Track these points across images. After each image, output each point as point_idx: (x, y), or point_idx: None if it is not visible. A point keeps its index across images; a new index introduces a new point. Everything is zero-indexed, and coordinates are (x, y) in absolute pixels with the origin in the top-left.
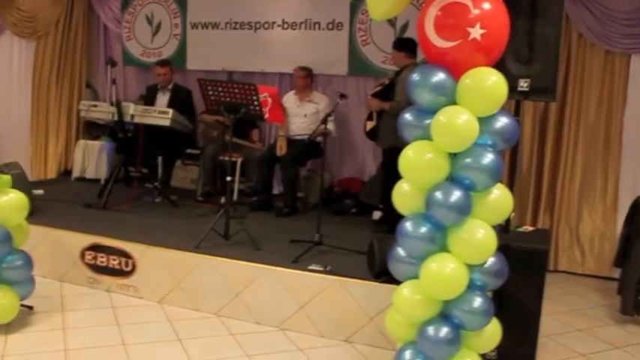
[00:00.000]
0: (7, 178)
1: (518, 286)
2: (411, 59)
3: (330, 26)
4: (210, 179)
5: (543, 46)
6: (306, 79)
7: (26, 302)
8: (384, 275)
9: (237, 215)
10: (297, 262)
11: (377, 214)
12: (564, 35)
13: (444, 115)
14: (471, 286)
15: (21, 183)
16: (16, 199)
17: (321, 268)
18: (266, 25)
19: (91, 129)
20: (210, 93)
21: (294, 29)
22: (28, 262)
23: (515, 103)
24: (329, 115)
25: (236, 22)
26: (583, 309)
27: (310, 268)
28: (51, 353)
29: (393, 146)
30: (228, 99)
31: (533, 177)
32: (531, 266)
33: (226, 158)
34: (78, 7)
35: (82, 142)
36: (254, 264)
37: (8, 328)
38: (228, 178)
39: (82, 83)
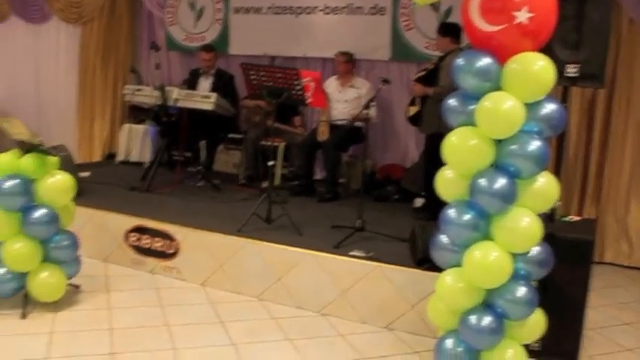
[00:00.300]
0: (54, 159)
1: (563, 276)
2: (456, 44)
3: (373, 11)
4: (253, 164)
5: (592, 31)
6: (347, 65)
7: (73, 281)
8: (426, 262)
9: (279, 200)
10: (338, 247)
11: (419, 202)
12: (614, 20)
13: (490, 101)
14: (515, 275)
15: (68, 165)
16: (63, 180)
17: (363, 254)
18: (308, 10)
19: (136, 113)
20: (253, 77)
21: (337, 14)
22: (75, 243)
23: (562, 89)
24: (371, 100)
25: (278, 7)
26: (629, 302)
27: (352, 253)
28: (97, 331)
29: (437, 132)
30: (270, 83)
31: (580, 166)
32: (577, 257)
33: (268, 143)
34: None
35: (126, 126)
36: (296, 249)
37: (56, 306)
38: (271, 163)
39: (127, 68)
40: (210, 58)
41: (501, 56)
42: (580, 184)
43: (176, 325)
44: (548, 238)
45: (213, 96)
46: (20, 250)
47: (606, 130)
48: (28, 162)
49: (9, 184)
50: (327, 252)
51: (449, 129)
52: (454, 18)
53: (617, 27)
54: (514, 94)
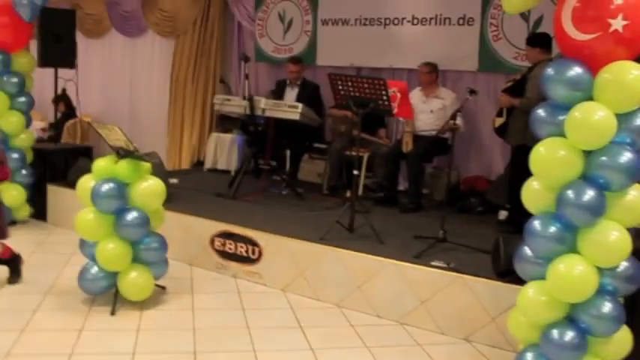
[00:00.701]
0: (147, 165)
1: None
2: (546, 55)
3: (461, 21)
4: (336, 173)
5: None
6: (430, 75)
7: (159, 282)
8: (508, 275)
9: (362, 209)
10: (419, 257)
11: (503, 214)
12: None
13: (580, 111)
14: (601, 291)
15: (159, 171)
16: (155, 185)
17: (444, 265)
18: (396, 21)
19: (224, 122)
20: (340, 87)
21: (424, 25)
22: (163, 245)
23: None
24: (458, 110)
25: (366, 18)
26: None
27: (433, 264)
28: (181, 331)
29: (523, 144)
30: (357, 94)
31: None
32: None
33: (353, 153)
34: (214, 7)
35: (214, 134)
36: (377, 257)
37: (143, 305)
38: (355, 172)
39: (217, 79)
40: (298, 69)
41: (593, 65)
42: None
43: (256, 328)
44: (638, 254)
45: (300, 106)
46: (113, 251)
47: None
48: (123, 167)
49: (105, 187)
50: (408, 261)
51: (535, 141)
52: (544, 28)
53: None
54: (606, 104)
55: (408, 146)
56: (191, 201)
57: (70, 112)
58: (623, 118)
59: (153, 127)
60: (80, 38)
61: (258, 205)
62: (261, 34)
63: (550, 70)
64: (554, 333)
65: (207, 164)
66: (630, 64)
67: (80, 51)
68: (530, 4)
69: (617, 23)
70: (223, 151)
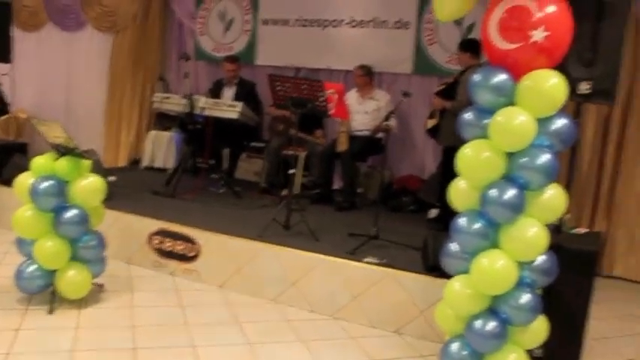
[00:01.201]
0: (87, 163)
1: (567, 286)
2: (476, 60)
3: (398, 25)
4: (274, 172)
5: (606, 49)
6: (364, 78)
7: (98, 280)
8: (436, 270)
9: (298, 207)
10: (353, 253)
11: (433, 212)
12: (633, 38)
13: (502, 116)
14: (520, 283)
15: (98, 169)
16: (95, 183)
17: (377, 261)
18: (334, 23)
19: (162, 120)
20: (279, 88)
21: (362, 27)
22: (102, 243)
23: (575, 105)
24: (392, 112)
25: (305, 20)
26: (636, 316)
27: (366, 260)
28: (120, 328)
29: (453, 145)
30: (295, 94)
31: (593, 180)
32: (581, 268)
33: (290, 152)
34: (155, 3)
35: (152, 132)
36: (312, 254)
37: (81, 303)
38: (291, 171)
39: (156, 76)
40: (234, 68)
41: (516, 73)
42: (592, 197)
43: (195, 325)
44: (555, 249)
45: (239, 105)
46: (51, 249)
47: (620, 146)
48: (63, 164)
49: (44, 185)
50: (342, 257)
51: (465, 142)
52: (477, 33)
53: (635, 44)
54: (527, 110)
55: (342, 146)
56: (129, 199)
57: (2, 107)
58: (542, 122)
59: (90, 124)
60: (15, 31)
61: (196, 203)
62: (201, 32)
63: (476, 77)
64: (478, 323)
65: (145, 162)
66: (549, 73)
67: (15, 44)
68: (461, 13)
69: (539, 34)
70: (161, 149)
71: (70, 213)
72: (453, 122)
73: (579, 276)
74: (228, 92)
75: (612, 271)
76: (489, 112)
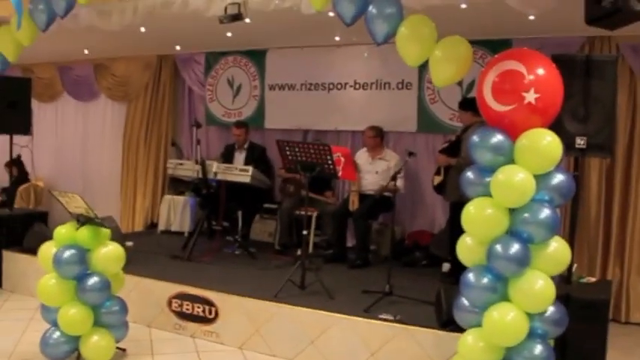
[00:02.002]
0: (107, 231)
1: (581, 336)
2: (477, 117)
3: (400, 86)
4: (287, 232)
5: (598, 105)
6: (375, 139)
7: (120, 345)
8: (450, 324)
9: (312, 267)
10: (368, 311)
11: (446, 266)
12: (629, 90)
13: (503, 174)
14: (532, 334)
15: (116, 235)
16: (115, 250)
17: (391, 317)
18: (339, 86)
19: (176, 185)
20: (288, 153)
21: (366, 89)
22: (124, 308)
23: (574, 159)
24: (398, 172)
25: (311, 84)
26: None
27: (381, 316)
28: None
29: (460, 200)
30: (304, 158)
31: (602, 228)
32: (593, 316)
33: (302, 212)
34: (165, 72)
35: (167, 197)
36: (328, 312)
37: None
38: (305, 232)
39: (168, 142)
40: (241, 133)
41: (513, 132)
42: (602, 246)
43: None
44: (565, 299)
45: (250, 169)
46: (75, 316)
47: (626, 193)
48: (84, 234)
49: (67, 254)
50: (358, 315)
51: (470, 198)
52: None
53: (632, 97)
54: (525, 167)
55: (354, 205)
56: (147, 263)
57: (22, 176)
58: (541, 178)
59: (106, 190)
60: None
61: (212, 265)
62: (211, 99)
63: (475, 138)
64: None
65: (161, 226)
66: (544, 132)
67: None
68: (457, 78)
69: (530, 96)
70: (177, 213)
71: (92, 280)
72: (457, 178)
73: (591, 325)
74: (240, 156)
75: (630, 318)
76: (490, 170)
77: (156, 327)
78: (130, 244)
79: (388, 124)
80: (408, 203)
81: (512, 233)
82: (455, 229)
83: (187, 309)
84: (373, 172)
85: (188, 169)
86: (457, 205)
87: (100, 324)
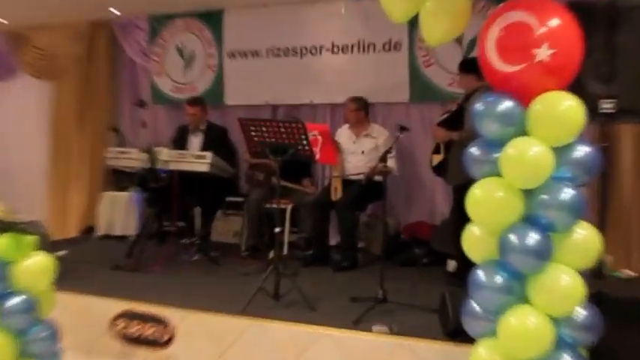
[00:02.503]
0: (32, 239)
1: (618, 341)
2: (482, 81)
3: (387, 47)
4: (256, 231)
5: (628, 61)
6: (358, 113)
7: None
8: (459, 334)
9: (288, 272)
10: (358, 322)
11: (452, 265)
12: None
13: (514, 148)
14: (559, 343)
15: (44, 244)
16: (42, 262)
17: (386, 329)
18: (313, 51)
19: (118, 178)
20: (254, 134)
21: (346, 53)
22: (55, 334)
23: (600, 126)
24: (388, 151)
25: (279, 49)
26: None
27: (374, 329)
28: None
29: (464, 183)
30: (273, 139)
31: (638, 211)
32: (632, 317)
33: (274, 205)
34: (100, 42)
35: (107, 193)
36: (309, 326)
37: None
38: (277, 229)
39: (107, 127)
40: (196, 112)
41: (524, 98)
42: None
43: None
44: (596, 298)
45: (208, 155)
46: None
47: None
48: (3, 243)
49: None
50: (346, 329)
51: (475, 180)
52: None
53: None
54: (540, 139)
55: (337, 193)
56: (84, 277)
57: None
58: (560, 151)
59: (30, 188)
60: None
61: (165, 275)
62: (157, 72)
63: (479, 106)
64: None
65: (101, 230)
66: (562, 95)
67: None
68: (454, 34)
69: (543, 53)
70: (119, 213)
71: (14, 301)
72: (461, 156)
73: (632, 328)
74: (195, 140)
75: None
76: (498, 144)
77: (97, 354)
78: (62, 253)
79: (375, 94)
80: (403, 189)
81: (528, 220)
82: (460, 219)
83: (136, 331)
84: (358, 152)
85: (132, 159)
86: (462, 189)
87: (27, 354)
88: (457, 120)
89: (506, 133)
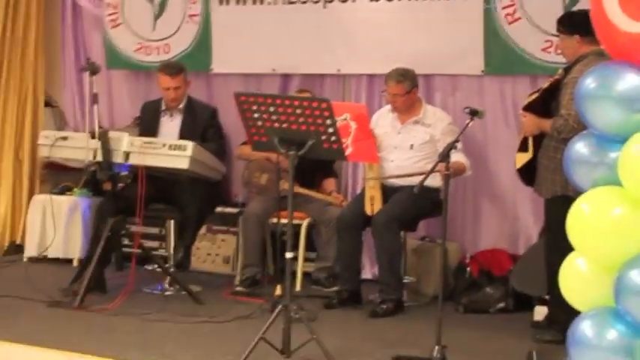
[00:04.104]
0: None
1: None
2: (591, 45)
3: None
4: (257, 257)
5: None
6: (408, 98)
7: None
8: None
9: (303, 316)
10: None
11: (540, 312)
12: None
13: None
14: None
15: None
16: None
17: None
18: None
19: (56, 176)
20: (256, 115)
21: (390, 0)
22: None
23: None
24: (452, 145)
25: None
26: None
27: None
28: None
29: (563, 194)
30: (284, 124)
31: None
32: None
33: (283, 221)
34: None
35: (40, 197)
36: None
37: None
38: (289, 255)
39: (40, 100)
40: (178, 85)
41: None
42: None
43: None
44: None
45: (189, 146)
46: None
47: None
48: None
49: None
50: None
51: (579, 191)
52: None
53: None
54: None
55: (374, 205)
56: (5, 316)
57: None
58: None
59: None
60: None
61: (123, 317)
62: (114, 23)
63: (589, 82)
64: None
65: (30, 250)
66: None
67: None
68: None
69: None
70: (58, 225)
71: None
72: (559, 156)
73: None
74: (171, 125)
75: None
76: (617, 139)
77: None
78: None
79: (432, 63)
80: (471, 201)
81: None
82: (556, 247)
83: None
84: (405, 146)
85: (77, 148)
86: (559, 204)
87: None
88: (552, 102)
89: (629, 124)
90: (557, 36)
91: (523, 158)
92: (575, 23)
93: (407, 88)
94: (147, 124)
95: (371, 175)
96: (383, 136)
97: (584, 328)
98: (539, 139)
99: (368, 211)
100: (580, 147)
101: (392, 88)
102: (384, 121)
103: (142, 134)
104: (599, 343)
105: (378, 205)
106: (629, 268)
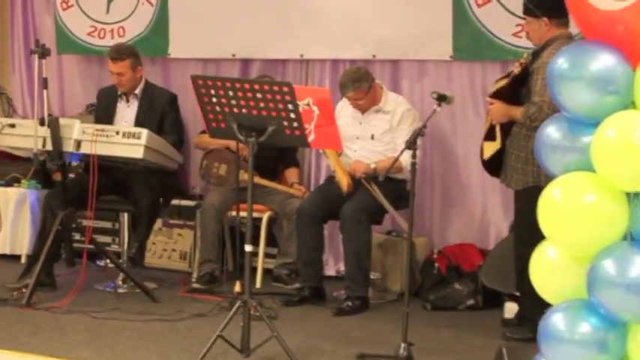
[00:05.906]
0: None
1: None
2: (559, 29)
3: None
4: (215, 251)
5: None
6: (368, 97)
7: None
8: None
9: (263, 314)
10: None
11: (511, 309)
12: None
13: (615, 127)
14: None
15: None
16: None
17: None
18: None
19: (4, 167)
20: (214, 100)
21: None
22: None
23: None
24: (418, 133)
25: None
26: None
27: None
28: None
29: (533, 185)
30: (244, 110)
31: None
32: None
33: (243, 213)
34: None
35: None
36: None
37: None
38: (248, 249)
39: None
40: (124, 70)
41: (632, 52)
42: None
43: None
44: None
45: (144, 134)
46: None
47: None
48: None
49: None
50: None
51: (550, 179)
52: None
53: None
54: None
55: (348, 184)
56: None
57: None
58: None
59: None
60: None
61: (74, 315)
62: (66, 5)
63: (561, 62)
64: None
65: None
66: None
67: None
68: None
69: None
70: (5, 219)
71: None
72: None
73: None
74: (127, 112)
75: None
76: (590, 123)
77: None
78: None
79: (400, 48)
80: (438, 193)
81: (634, 239)
82: (526, 239)
83: None
84: (367, 136)
85: (25, 136)
86: (529, 195)
87: None
88: (521, 88)
89: (603, 105)
90: (524, 18)
91: (491, 148)
92: (543, 5)
93: (366, 89)
94: (102, 110)
95: (330, 161)
96: (345, 127)
97: (556, 321)
98: (507, 127)
99: (345, 188)
100: (551, 131)
101: (351, 96)
102: (345, 111)
103: (97, 121)
104: (572, 336)
105: (348, 186)
106: (602, 257)
